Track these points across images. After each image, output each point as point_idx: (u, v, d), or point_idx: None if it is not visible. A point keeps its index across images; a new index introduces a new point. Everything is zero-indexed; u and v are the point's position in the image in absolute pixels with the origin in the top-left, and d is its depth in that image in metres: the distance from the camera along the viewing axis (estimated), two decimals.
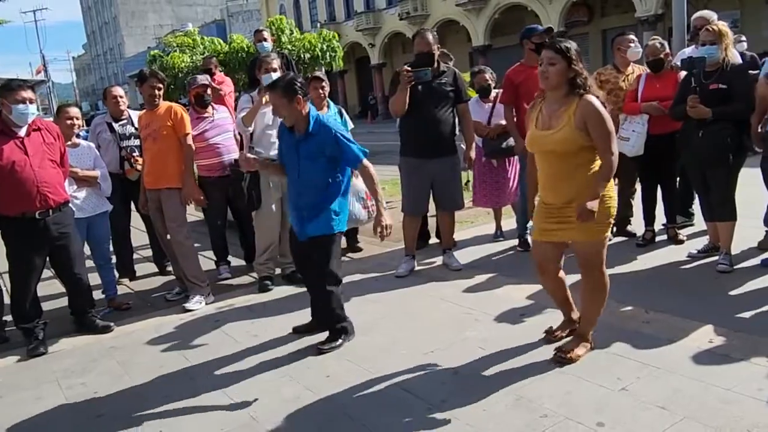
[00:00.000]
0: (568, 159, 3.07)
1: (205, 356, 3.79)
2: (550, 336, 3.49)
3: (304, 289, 4.85)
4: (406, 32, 32.02)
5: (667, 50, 5.04)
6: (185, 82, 13.90)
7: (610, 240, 3.36)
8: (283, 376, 3.42)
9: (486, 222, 6.41)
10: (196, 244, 5.09)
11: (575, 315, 3.48)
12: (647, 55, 5.03)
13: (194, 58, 13.97)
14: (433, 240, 5.85)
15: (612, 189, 3.14)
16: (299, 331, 3.96)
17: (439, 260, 5.21)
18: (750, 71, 4.66)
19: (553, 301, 3.56)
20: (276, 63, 4.96)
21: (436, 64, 4.80)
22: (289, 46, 13.79)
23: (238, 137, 5.38)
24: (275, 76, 4.90)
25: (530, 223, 5.48)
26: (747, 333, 3.37)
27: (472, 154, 5.22)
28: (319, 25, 27.47)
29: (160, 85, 4.77)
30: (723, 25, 4.30)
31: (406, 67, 4.62)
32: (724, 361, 3.08)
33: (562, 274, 3.40)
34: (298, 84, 3.51)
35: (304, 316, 4.32)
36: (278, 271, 5.20)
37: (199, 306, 4.66)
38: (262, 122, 4.89)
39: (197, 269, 4.84)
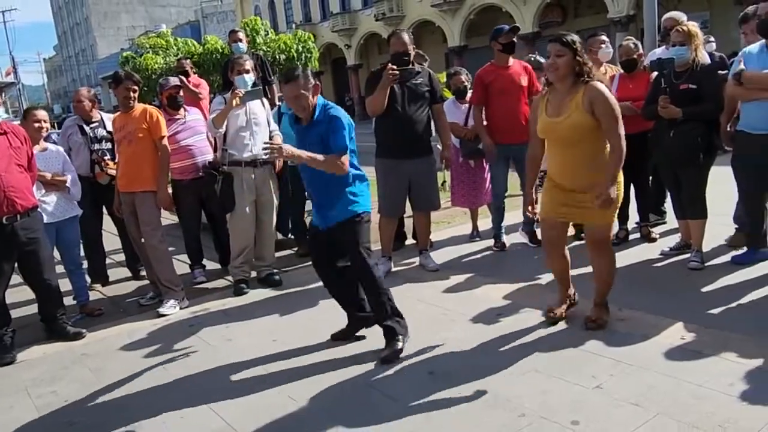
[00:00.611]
0: (581, 147, 3.32)
1: (179, 362, 3.74)
2: (549, 315, 3.73)
3: (280, 292, 4.88)
4: (382, 33, 32.02)
5: (641, 51, 5.11)
6: (158, 83, 13.77)
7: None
8: (260, 380, 3.39)
9: (462, 222, 6.43)
10: (170, 248, 5.03)
11: (571, 291, 3.79)
12: (621, 55, 5.10)
13: (168, 59, 13.80)
14: (410, 241, 5.85)
15: (619, 177, 3.38)
16: (337, 338, 3.77)
17: (415, 261, 5.22)
18: (719, 71, 4.73)
19: (555, 277, 3.82)
20: (249, 64, 4.92)
21: (412, 65, 4.80)
22: (264, 47, 13.70)
23: (212, 139, 5.33)
24: (248, 77, 4.87)
25: (504, 223, 5.57)
26: (718, 329, 3.43)
27: (448, 154, 5.24)
28: (294, 26, 27.34)
29: (135, 88, 4.70)
30: (693, 26, 4.37)
31: (390, 65, 4.60)
32: (695, 357, 3.12)
33: (566, 254, 3.70)
34: (311, 72, 3.53)
35: (281, 319, 4.31)
36: (254, 274, 5.15)
37: (173, 311, 4.60)
38: (235, 124, 4.85)
39: (171, 273, 4.78)
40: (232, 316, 4.44)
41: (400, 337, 3.51)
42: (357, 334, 3.79)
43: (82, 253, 5.18)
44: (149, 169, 4.66)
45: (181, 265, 5.61)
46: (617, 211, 3.49)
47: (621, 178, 3.38)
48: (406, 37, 4.78)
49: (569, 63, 3.26)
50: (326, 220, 3.59)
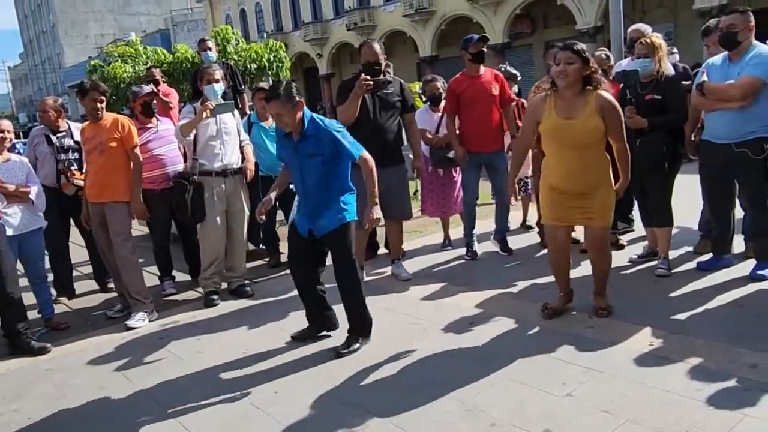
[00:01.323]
0: (589, 150, 3.56)
1: (148, 376, 3.67)
2: (545, 311, 3.91)
3: (251, 303, 4.83)
4: (354, 43, 32.08)
5: (612, 62, 5.22)
6: (127, 92, 13.55)
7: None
8: (230, 393, 3.34)
9: (435, 231, 6.45)
10: (140, 259, 4.94)
11: (568, 288, 3.99)
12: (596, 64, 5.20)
13: (137, 68, 13.65)
14: (382, 250, 5.84)
15: (612, 183, 3.72)
16: (297, 339, 3.93)
17: (388, 271, 5.21)
18: (683, 82, 4.84)
19: (555, 277, 4.00)
20: (219, 74, 4.88)
21: (382, 75, 4.82)
22: (235, 57, 13.64)
23: (182, 149, 5.26)
24: (218, 87, 4.83)
25: (476, 231, 5.60)
26: (684, 335, 3.48)
27: (419, 164, 5.26)
28: (265, 35, 27.24)
29: (102, 98, 4.62)
30: (657, 38, 4.46)
31: (364, 75, 4.59)
32: (663, 363, 3.16)
33: (569, 256, 3.96)
34: (295, 88, 3.58)
35: (252, 331, 4.26)
36: (225, 285, 5.09)
37: (142, 323, 4.52)
38: (205, 133, 4.80)
39: (141, 285, 4.70)
40: (203, 329, 4.37)
41: (362, 340, 3.75)
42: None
43: (48, 266, 5.07)
44: (120, 179, 4.60)
45: (151, 276, 5.52)
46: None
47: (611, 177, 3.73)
48: (377, 47, 4.80)
49: (578, 70, 3.47)
50: (317, 229, 3.69)
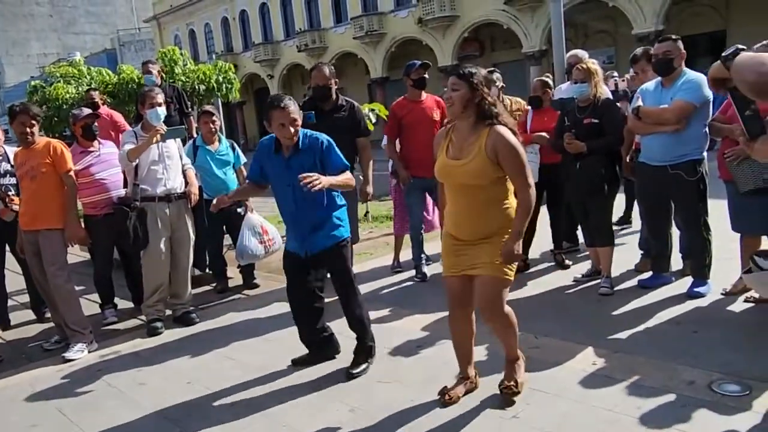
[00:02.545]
0: (480, 193, 2.94)
1: (85, 411, 3.52)
2: (444, 398, 3.14)
3: (197, 330, 4.71)
4: (305, 64, 32.14)
5: (549, 89, 5.37)
6: (71, 114, 13.15)
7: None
8: (172, 426, 3.24)
9: (385, 254, 6.46)
10: (80, 287, 4.80)
11: (472, 372, 3.28)
12: (531, 91, 5.35)
13: (80, 89, 13.26)
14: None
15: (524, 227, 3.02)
16: (298, 363, 3.80)
17: None
18: (618, 104, 5.02)
19: (455, 350, 3.29)
20: (161, 97, 4.79)
21: (334, 97, 4.81)
22: (183, 78, 13.39)
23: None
24: (161, 110, 4.73)
25: (428, 252, 5.62)
26: (625, 353, 3.57)
27: (369, 189, 5.27)
28: (215, 55, 26.95)
29: (33, 122, 4.44)
30: (592, 64, 4.63)
31: (316, 98, 4.58)
32: (606, 382, 3.22)
33: (473, 320, 3.21)
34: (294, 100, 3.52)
35: (196, 360, 4.15)
36: (169, 312, 4.96)
37: (80, 355, 4.34)
38: (147, 158, 4.68)
39: (78, 315, 4.52)
40: (145, 359, 4.24)
41: (371, 360, 3.72)
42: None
43: None
44: (54, 206, 4.43)
45: (91, 304, 5.35)
46: (513, 269, 3.03)
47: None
48: (327, 70, 4.81)
49: (465, 97, 2.89)
50: (312, 246, 3.60)
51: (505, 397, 3.09)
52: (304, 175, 3.22)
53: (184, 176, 4.94)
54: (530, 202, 2.91)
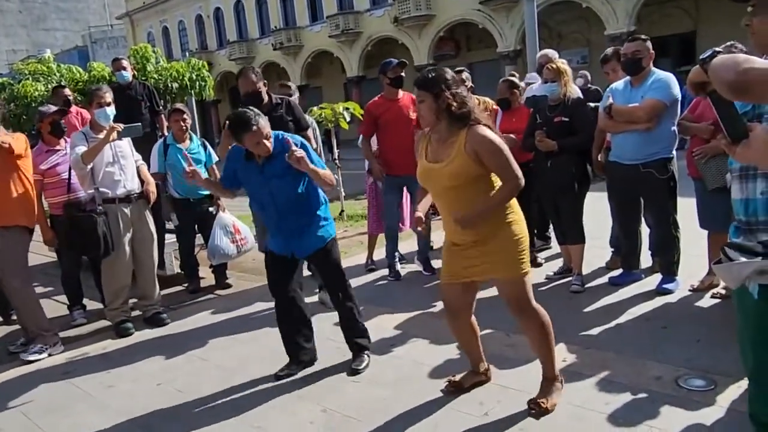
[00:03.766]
0: (465, 192, 2.85)
1: (52, 414, 3.45)
2: (451, 387, 3.21)
3: (167, 332, 4.65)
4: (281, 62, 31.99)
5: (516, 90, 5.40)
6: (38, 111, 12.88)
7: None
8: (141, 429, 3.19)
9: (359, 252, 6.45)
10: (49, 288, 4.67)
11: (483, 367, 3.30)
12: (497, 93, 5.39)
13: (49, 86, 13.00)
14: (306, 272, 5.75)
15: (522, 221, 2.97)
16: (282, 377, 3.62)
17: (315, 298, 5.06)
18: (589, 103, 5.07)
19: (462, 349, 3.36)
20: (109, 96, 4.60)
21: (267, 99, 4.71)
22: (155, 75, 13.21)
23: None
24: (110, 110, 4.56)
25: (402, 251, 5.63)
26: (596, 349, 3.60)
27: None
28: (188, 53, 26.62)
29: None
30: (562, 64, 4.67)
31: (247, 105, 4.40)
32: (576, 378, 3.25)
33: (474, 323, 3.20)
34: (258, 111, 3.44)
35: (167, 361, 4.10)
36: (138, 313, 4.88)
37: (38, 357, 4.23)
38: (102, 161, 4.51)
39: (38, 318, 4.37)
40: (114, 361, 4.17)
41: (368, 352, 3.72)
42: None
43: None
44: (5, 203, 4.19)
45: (60, 306, 5.24)
46: (527, 262, 2.96)
47: (523, 225, 2.97)
48: (253, 75, 4.67)
49: (431, 107, 2.81)
50: (300, 249, 3.57)
51: (531, 412, 2.96)
52: (293, 150, 3.24)
53: (139, 174, 4.81)
54: (513, 188, 2.82)
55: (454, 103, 2.80)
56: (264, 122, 3.37)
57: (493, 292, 4.70)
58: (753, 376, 2.21)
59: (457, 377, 3.27)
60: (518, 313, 3.00)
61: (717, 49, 1.96)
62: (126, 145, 4.74)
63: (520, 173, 2.83)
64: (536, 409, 2.94)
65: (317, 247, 3.58)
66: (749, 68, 1.49)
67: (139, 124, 4.70)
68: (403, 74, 5.29)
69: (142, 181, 4.80)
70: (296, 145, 3.41)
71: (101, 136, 4.43)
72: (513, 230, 2.90)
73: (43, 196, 4.86)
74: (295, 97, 5.41)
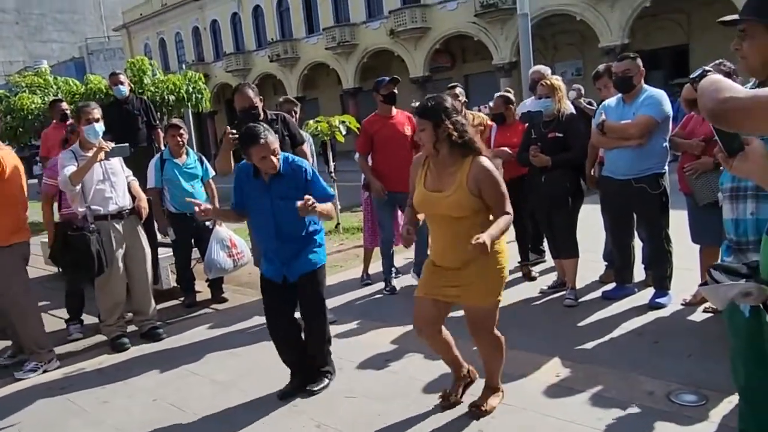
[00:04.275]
0: (463, 222, 2.89)
1: (46, 430, 3.46)
2: (446, 402, 3.26)
3: (163, 347, 4.65)
4: (277, 74, 32.12)
5: (511, 105, 5.47)
6: (35, 124, 12.89)
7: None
8: None
9: (354, 266, 6.47)
10: (45, 302, 4.67)
11: (464, 371, 3.33)
12: (492, 108, 5.44)
13: (46, 99, 13.04)
14: None
15: (506, 251, 3.03)
16: (286, 397, 3.56)
17: None
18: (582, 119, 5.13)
19: (442, 358, 3.35)
20: (98, 112, 4.60)
21: (263, 116, 4.74)
22: (152, 88, 13.28)
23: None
24: (98, 126, 4.56)
25: (399, 264, 5.65)
26: (589, 364, 3.63)
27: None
28: (185, 65, 26.69)
29: None
30: (556, 80, 4.73)
31: (229, 128, 4.43)
32: (568, 393, 3.28)
33: (446, 333, 3.21)
34: (272, 130, 3.46)
35: (162, 376, 4.10)
36: (134, 328, 4.89)
37: (31, 375, 4.21)
38: (92, 179, 4.49)
39: (37, 334, 4.36)
40: (109, 376, 4.17)
41: (330, 376, 3.71)
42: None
43: None
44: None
45: (56, 321, 5.25)
46: (501, 293, 3.04)
47: (506, 258, 3.03)
48: (250, 91, 4.67)
49: (432, 135, 2.86)
50: (291, 273, 3.52)
51: (471, 413, 3.13)
52: (307, 197, 3.21)
53: (130, 190, 4.81)
54: (510, 220, 2.90)
55: (455, 133, 2.85)
56: (273, 138, 3.37)
57: None
58: (743, 393, 2.24)
59: (448, 391, 3.30)
60: (476, 334, 3.12)
61: (706, 68, 2.01)
62: (116, 161, 4.71)
63: (511, 209, 2.92)
64: (477, 412, 3.11)
65: (306, 271, 3.52)
66: (728, 98, 1.53)
67: (127, 144, 4.67)
68: (395, 91, 5.34)
69: (133, 197, 4.80)
70: (307, 171, 3.45)
71: (90, 154, 4.41)
72: (498, 260, 2.95)
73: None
74: (297, 112, 5.44)
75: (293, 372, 3.68)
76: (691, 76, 1.90)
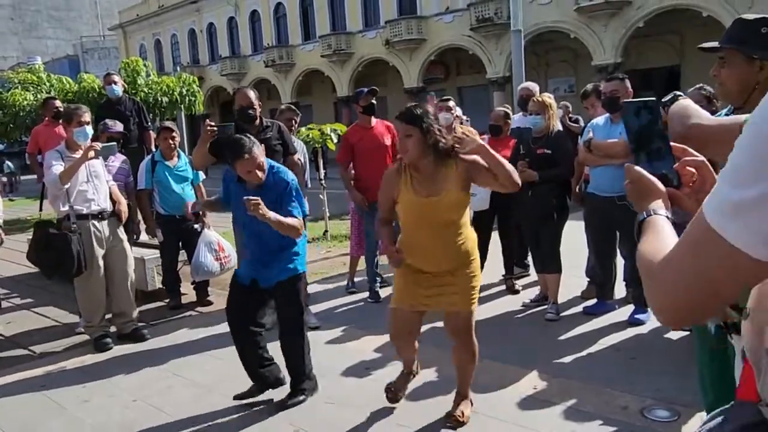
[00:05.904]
0: (452, 225, 2.98)
1: (24, 429, 3.46)
2: (394, 396, 3.39)
3: (146, 347, 4.66)
4: (272, 79, 32.19)
5: (509, 120, 5.54)
6: (26, 121, 12.84)
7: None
8: None
9: (341, 273, 6.50)
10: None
11: (415, 366, 3.49)
12: (490, 119, 5.51)
13: (39, 96, 13.02)
14: None
15: (477, 262, 3.16)
16: (242, 398, 3.59)
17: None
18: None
19: (400, 358, 3.49)
20: (88, 116, 4.64)
21: (258, 120, 4.80)
22: (145, 89, 13.28)
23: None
24: (89, 129, 4.62)
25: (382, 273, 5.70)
26: (566, 378, 3.69)
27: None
28: (180, 67, 26.70)
29: None
30: (547, 98, 4.82)
31: (208, 121, 4.45)
32: (544, 406, 3.33)
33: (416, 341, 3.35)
34: (255, 140, 3.43)
35: (144, 377, 4.11)
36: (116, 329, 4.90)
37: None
38: (76, 179, 4.50)
39: None
40: (91, 375, 4.17)
41: (307, 392, 3.60)
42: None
43: None
44: None
45: (40, 318, 5.24)
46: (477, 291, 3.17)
47: (478, 266, 3.18)
48: (251, 92, 4.72)
49: (420, 142, 2.86)
50: (264, 278, 3.51)
51: (450, 426, 3.15)
52: (251, 198, 3.15)
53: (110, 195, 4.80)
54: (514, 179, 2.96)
55: (442, 139, 2.90)
56: (258, 151, 3.35)
57: None
58: (711, 410, 2.31)
59: (394, 388, 3.42)
60: (458, 338, 3.19)
61: (677, 93, 2.09)
62: (99, 164, 4.72)
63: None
64: (455, 423, 3.14)
65: (283, 278, 3.48)
66: (694, 125, 1.61)
67: (114, 144, 4.72)
68: (374, 102, 5.43)
69: (113, 201, 4.80)
70: (287, 184, 3.42)
71: (76, 155, 4.44)
72: (476, 266, 3.14)
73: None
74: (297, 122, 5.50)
75: (253, 379, 3.63)
76: (663, 100, 1.98)
